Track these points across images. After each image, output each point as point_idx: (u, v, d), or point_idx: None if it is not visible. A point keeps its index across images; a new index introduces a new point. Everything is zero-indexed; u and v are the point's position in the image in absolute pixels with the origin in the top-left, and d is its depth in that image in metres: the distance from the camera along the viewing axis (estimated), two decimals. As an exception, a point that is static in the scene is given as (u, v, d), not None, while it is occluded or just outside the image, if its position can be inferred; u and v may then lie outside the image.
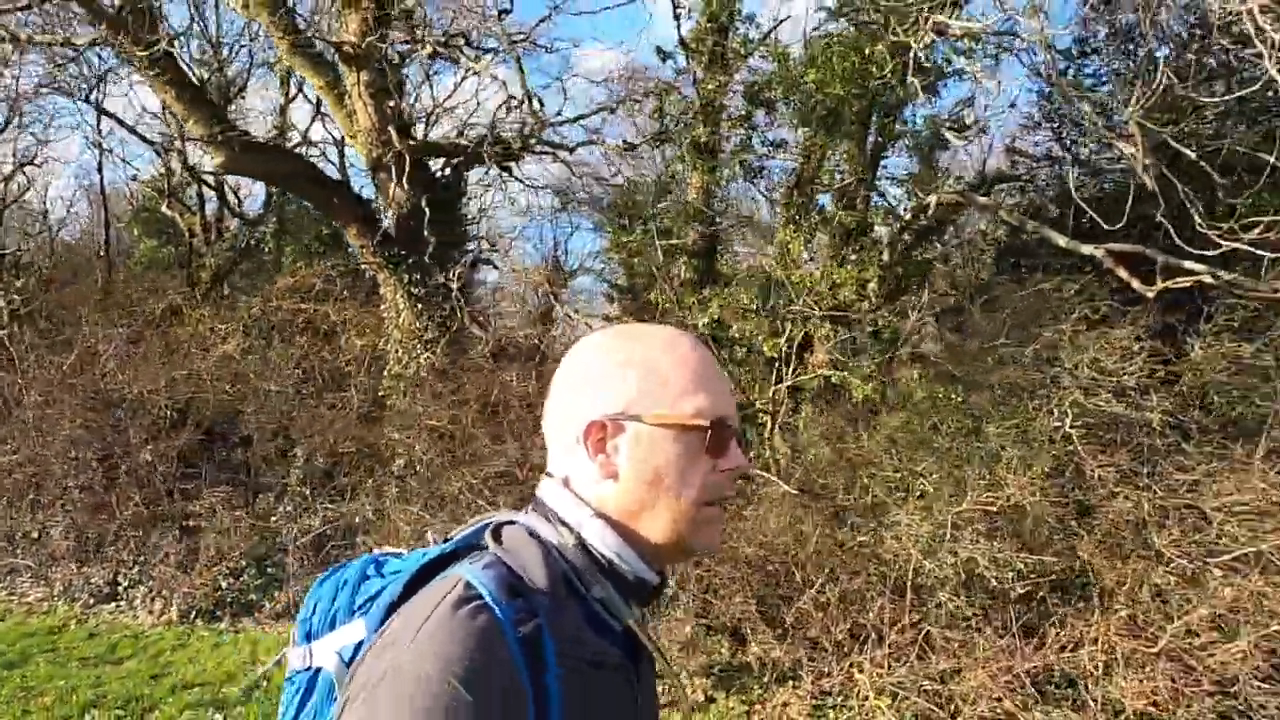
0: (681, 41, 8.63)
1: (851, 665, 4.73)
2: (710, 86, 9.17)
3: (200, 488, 6.72)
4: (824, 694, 4.76)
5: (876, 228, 8.04)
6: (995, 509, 4.58)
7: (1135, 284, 5.95)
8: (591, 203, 12.81)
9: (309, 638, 0.93)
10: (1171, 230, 5.25)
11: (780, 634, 4.97)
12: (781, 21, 9.07)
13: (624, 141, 9.06)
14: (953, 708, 4.38)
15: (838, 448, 5.74)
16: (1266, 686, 4.18)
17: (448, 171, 9.27)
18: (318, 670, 0.90)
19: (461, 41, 9.45)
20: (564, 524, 0.90)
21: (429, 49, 8.43)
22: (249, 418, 7.18)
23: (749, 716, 4.72)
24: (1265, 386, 4.98)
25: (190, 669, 4.88)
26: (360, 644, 0.85)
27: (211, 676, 4.73)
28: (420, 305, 8.56)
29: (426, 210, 8.33)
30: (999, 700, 4.30)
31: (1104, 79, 10.10)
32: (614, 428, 0.90)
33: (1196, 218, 4.94)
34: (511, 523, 0.91)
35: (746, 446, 1.13)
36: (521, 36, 11.99)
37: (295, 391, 7.34)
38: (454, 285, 7.84)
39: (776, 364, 7.85)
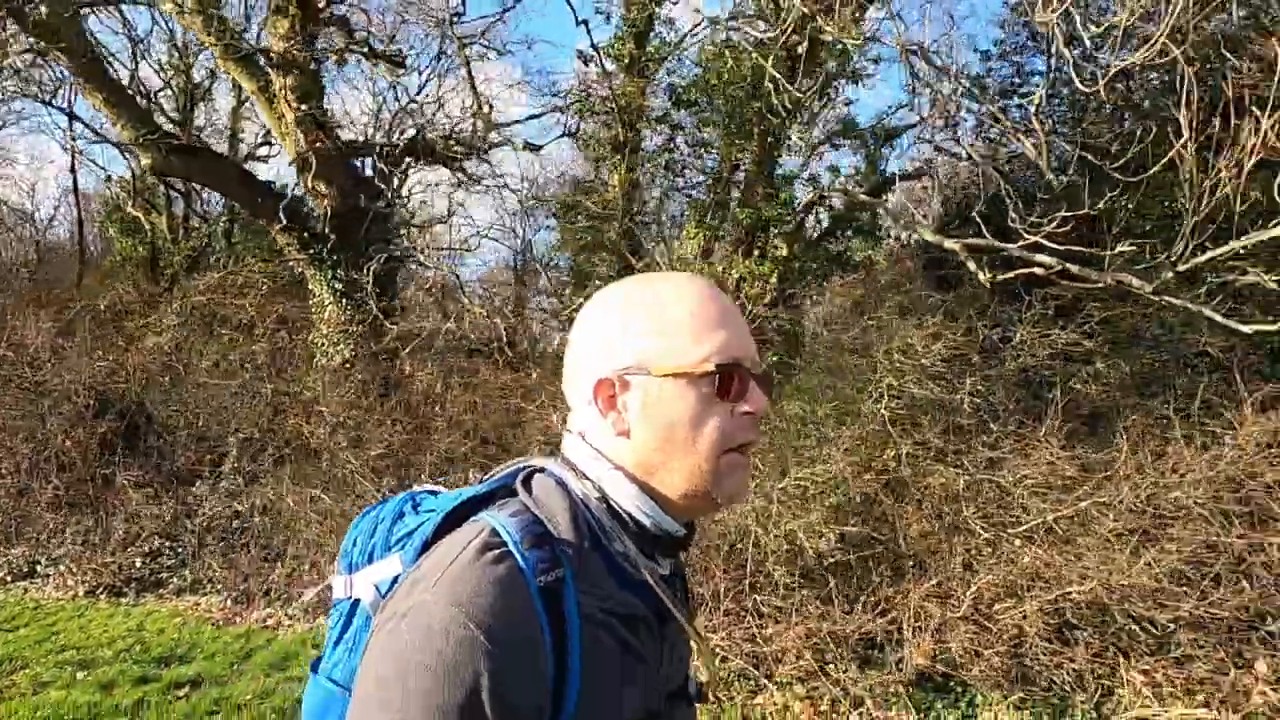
0: (593, 46, 8.98)
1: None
2: (628, 89, 9.54)
3: (116, 473, 7.10)
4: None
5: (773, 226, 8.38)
6: (819, 484, 4.93)
7: (980, 275, 6.33)
8: (543, 202, 13.20)
9: (350, 569, 0.96)
10: (1020, 221, 5.59)
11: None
12: (697, 26, 9.28)
13: (527, 143, 9.40)
14: (765, 668, 4.74)
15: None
16: (1049, 645, 4.54)
17: (372, 170, 9.64)
18: (357, 600, 0.93)
19: (385, 49, 9.81)
20: (586, 477, 0.90)
21: (335, 56, 8.73)
22: (167, 406, 7.56)
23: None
24: (1084, 370, 5.33)
25: (77, 636, 5.25)
26: (396, 577, 0.87)
27: (92, 642, 5.11)
28: (345, 300, 8.95)
29: (368, 206, 8.73)
30: (808, 659, 4.65)
31: (1010, 80, 10.46)
32: (621, 384, 0.89)
33: (1014, 214, 5.28)
34: (543, 470, 0.93)
35: (772, 386, 1.09)
36: (471, 38, 12.36)
37: (216, 382, 7.71)
38: (367, 281, 8.19)
39: None
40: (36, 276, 17.13)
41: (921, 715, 4.38)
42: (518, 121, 13.35)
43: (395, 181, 10.04)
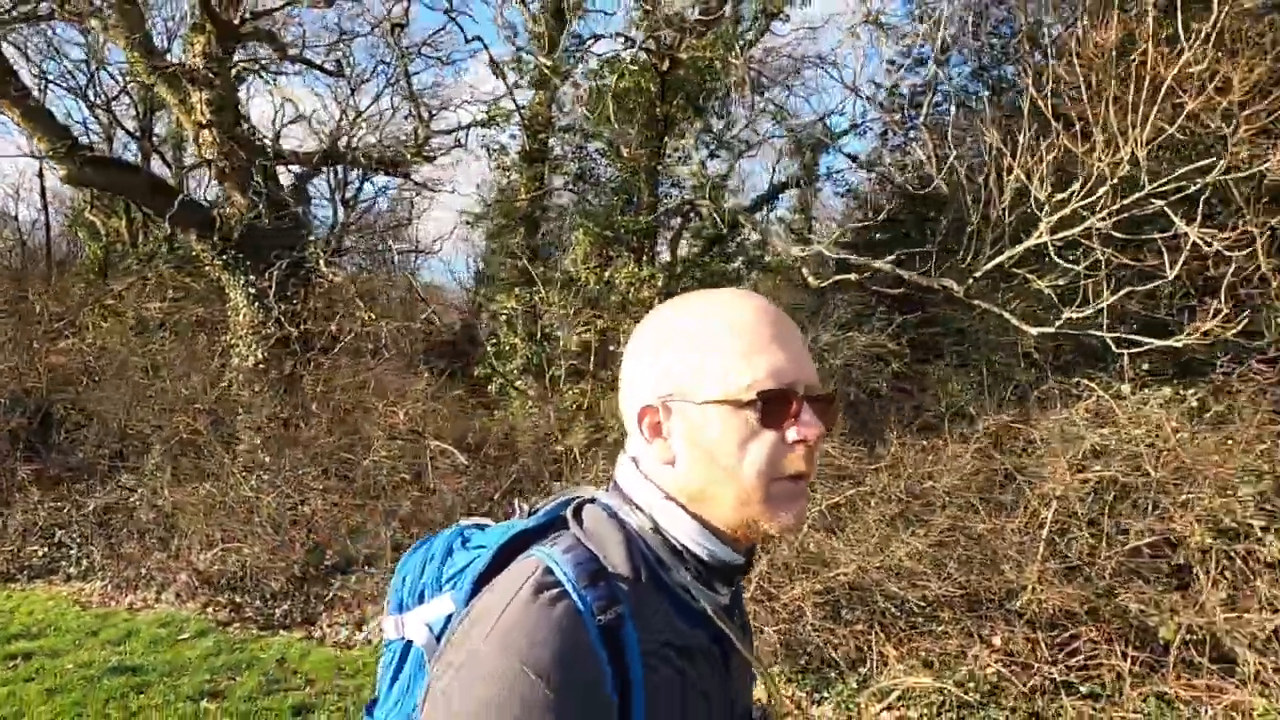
0: (492, 61, 9.40)
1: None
2: (536, 100, 9.96)
3: (18, 468, 7.53)
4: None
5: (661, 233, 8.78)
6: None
7: (811, 280, 6.73)
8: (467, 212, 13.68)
9: (400, 608, 0.94)
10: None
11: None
12: (599, 38, 9.67)
13: (439, 149, 9.82)
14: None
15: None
16: (823, 623, 4.93)
17: (289, 179, 10.08)
18: (409, 642, 0.91)
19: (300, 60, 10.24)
20: (638, 508, 0.88)
21: (255, 69, 9.14)
22: (76, 405, 8.00)
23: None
24: (885, 369, 5.72)
25: (-50, 617, 5.68)
26: (449, 617, 0.85)
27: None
28: (257, 304, 9.37)
29: (286, 211, 9.16)
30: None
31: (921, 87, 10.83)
32: (665, 411, 0.87)
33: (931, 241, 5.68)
34: (593, 500, 0.91)
35: (835, 410, 0.88)
36: (414, 48, 12.78)
37: (123, 380, 8.14)
38: (268, 286, 8.61)
39: (590, 357, 8.62)
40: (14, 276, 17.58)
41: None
42: (448, 131, 13.81)
43: (346, 189, 10.48)
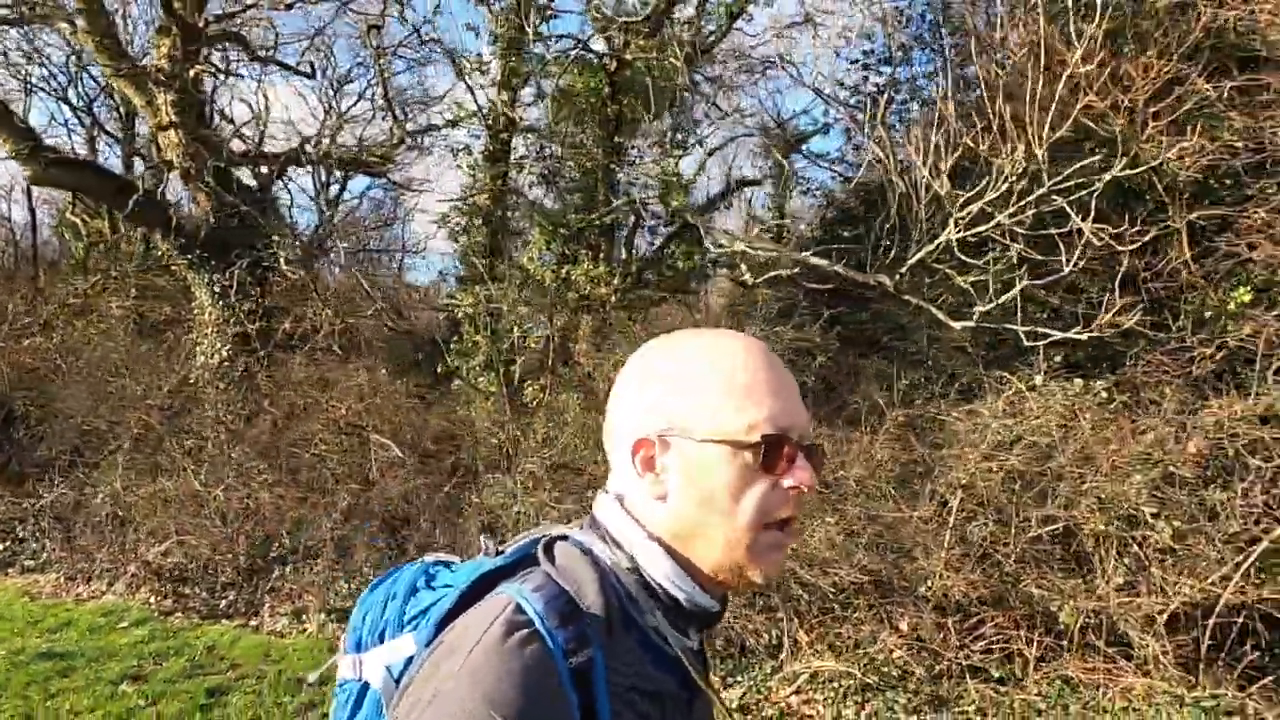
0: (453, 63, 9.52)
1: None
2: (501, 99, 10.08)
3: (-22, 463, 7.68)
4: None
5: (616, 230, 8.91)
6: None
7: (747, 277, 6.85)
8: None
9: (359, 647, 0.91)
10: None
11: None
12: (560, 38, 9.78)
13: (407, 151, 9.95)
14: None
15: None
16: (735, 608, 5.06)
17: (254, 179, 10.22)
18: (367, 684, 0.88)
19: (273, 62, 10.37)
20: (618, 545, 0.86)
21: (220, 74, 9.27)
22: (38, 401, 8.14)
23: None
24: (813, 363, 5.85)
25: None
26: (410, 659, 0.83)
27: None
28: (222, 302, 9.51)
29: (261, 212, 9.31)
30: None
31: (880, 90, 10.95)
32: (661, 445, 0.86)
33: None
34: (565, 538, 0.89)
35: (823, 459, 0.89)
36: (390, 49, 12.91)
37: (84, 378, 8.28)
38: (230, 286, 8.75)
39: (550, 354, 8.75)
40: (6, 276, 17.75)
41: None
42: (421, 132, 13.93)
43: (329, 189, 10.62)
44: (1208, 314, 5.38)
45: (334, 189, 18.23)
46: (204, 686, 4.18)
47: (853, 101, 10.65)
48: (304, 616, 5.81)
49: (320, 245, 14.99)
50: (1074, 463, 4.61)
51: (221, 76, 9.49)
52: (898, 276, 5.98)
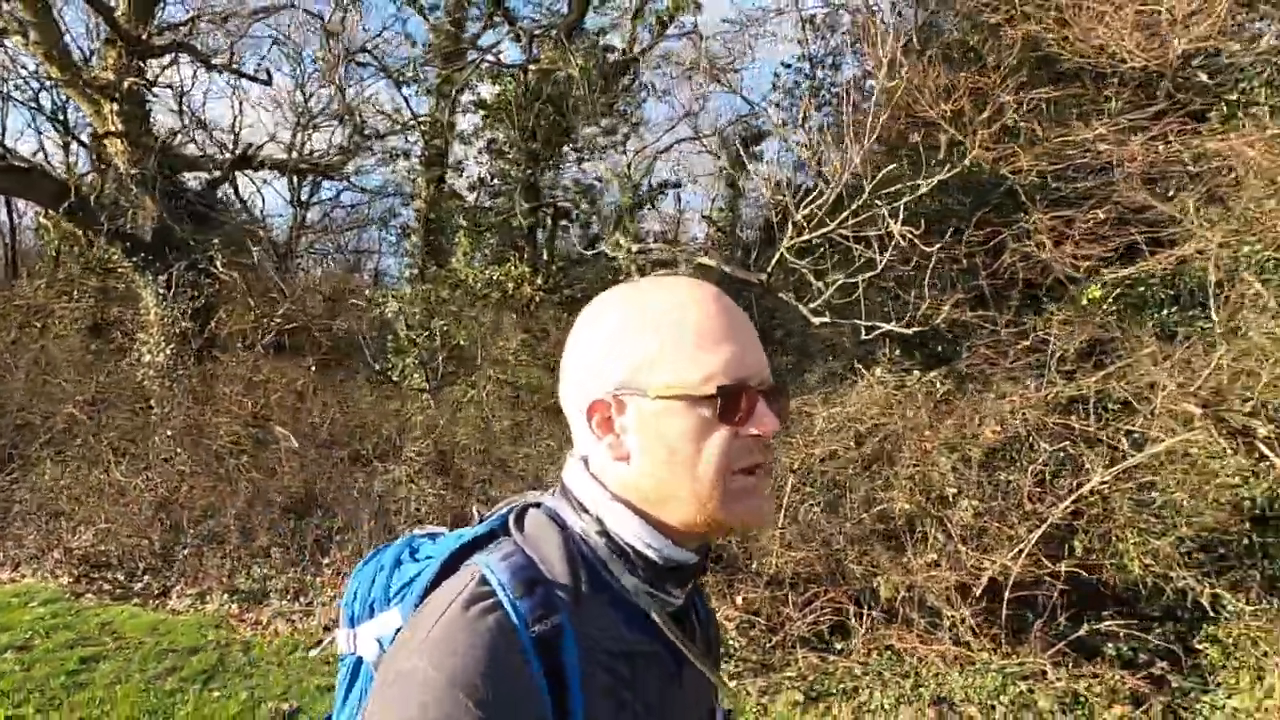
0: (384, 70, 9.90)
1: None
2: (434, 108, 10.48)
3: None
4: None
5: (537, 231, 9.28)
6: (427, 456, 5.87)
7: (636, 275, 7.22)
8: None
9: (353, 622, 0.93)
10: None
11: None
12: (495, 47, 10.17)
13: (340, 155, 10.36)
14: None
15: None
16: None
17: (199, 183, 10.64)
18: (360, 658, 0.91)
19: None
20: (584, 509, 0.85)
21: (128, 84, 9.63)
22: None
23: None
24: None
25: None
26: (398, 631, 0.84)
27: None
28: (166, 303, 9.92)
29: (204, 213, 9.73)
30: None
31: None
32: (617, 405, 0.84)
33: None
34: (537, 505, 0.88)
35: (787, 400, 0.83)
36: (349, 54, 13.28)
37: (24, 374, 8.70)
38: (163, 291, 9.16)
39: (479, 351, 9.13)
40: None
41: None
42: (391, 133, 14.35)
43: (301, 191, 11.02)
44: (1060, 310, 5.75)
45: (306, 192, 18.67)
46: (79, 655, 4.57)
47: (784, 106, 11.01)
48: (207, 597, 6.21)
49: (292, 246, 15.37)
50: (893, 448, 4.98)
51: (153, 89, 9.79)
52: (767, 273, 6.35)
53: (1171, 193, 4.48)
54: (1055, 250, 4.69)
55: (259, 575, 6.37)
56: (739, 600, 5.15)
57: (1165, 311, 4.89)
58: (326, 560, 6.23)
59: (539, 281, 9.23)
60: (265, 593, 6.24)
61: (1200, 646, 4.64)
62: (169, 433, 7.22)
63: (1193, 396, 4.15)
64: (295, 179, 17.44)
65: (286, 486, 6.29)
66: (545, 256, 9.16)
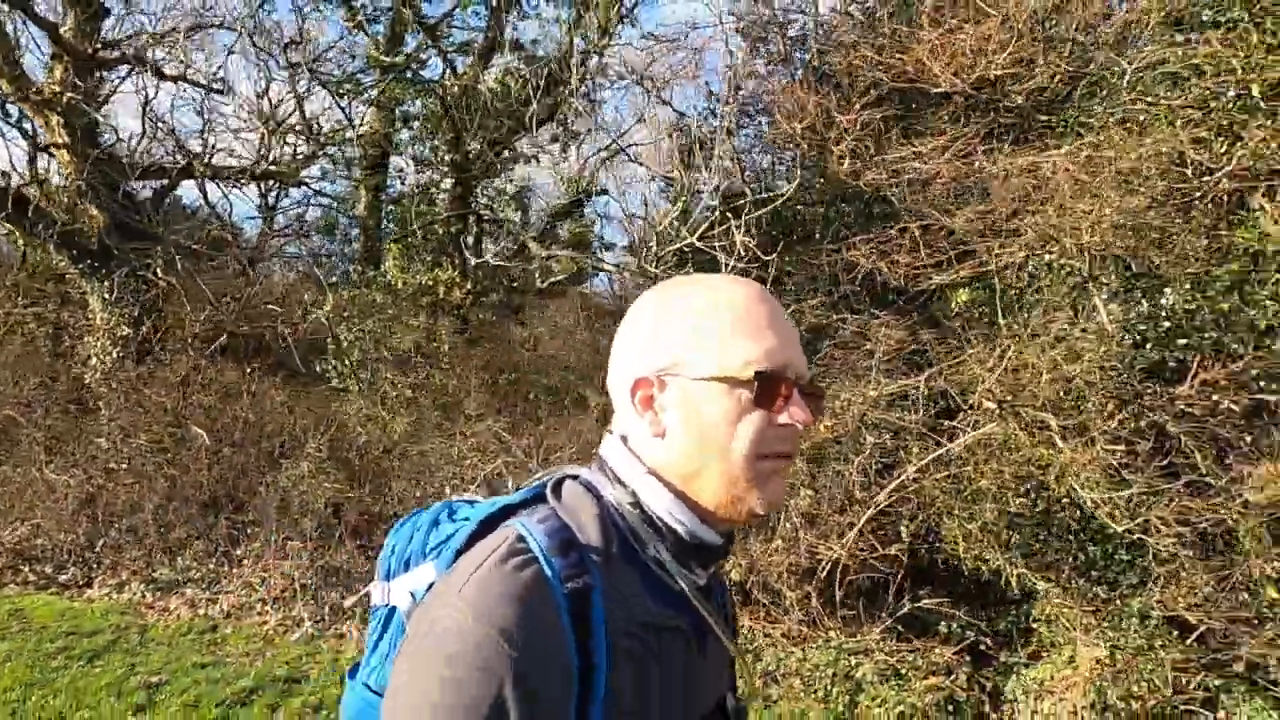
0: (318, 82, 10.27)
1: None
2: (373, 117, 10.86)
3: None
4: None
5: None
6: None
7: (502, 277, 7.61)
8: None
9: (388, 576, 0.96)
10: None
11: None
12: (411, 62, 10.53)
13: (271, 167, 10.72)
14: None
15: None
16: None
17: (147, 190, 11.01)
18: (394, 608, 0.94)
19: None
20: (620, 482, 0.89)
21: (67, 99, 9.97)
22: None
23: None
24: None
25: None
26: (431, 584, 0.87)
27: None
28: (113, 308, 10.28)
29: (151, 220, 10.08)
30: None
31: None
32: (659, 384, 0.88)
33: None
34: (575, 477, 0.92)
35: (822, 400, 0.92)
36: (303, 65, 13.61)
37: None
38: (109, 295, 9.53)
39: (413, 354, 9.51)
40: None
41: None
42: (348, 141, 14.73)
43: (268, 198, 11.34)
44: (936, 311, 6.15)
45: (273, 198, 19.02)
46: (-20, 636, 4.95)
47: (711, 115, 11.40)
48: (125, 587, 6.58)
49: (259, 251, 15.71)
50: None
51: (94, 102, 10.15)
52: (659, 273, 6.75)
53: (987, 206, 4.88)
54: (882, 260, 5.09)
55: (174, 566, 6.75)
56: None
57: (995, 314, 5.29)
58: (239, 551, 6.61)
59: (468, 286, 9.61)
60: (182, 582, 6.62)
61: (1020, 624, 5.06)
62: (100, 432, 7.58)
63: (990, 393, 4.56)
64: (261, 186, 17.84)
65: (201, 483, 6.66)
66: (473, 262, 9.53)
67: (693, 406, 0.87)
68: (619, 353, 0.94)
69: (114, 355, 10.22)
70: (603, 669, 0.77)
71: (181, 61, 12.38)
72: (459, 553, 0.85)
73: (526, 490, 0.93)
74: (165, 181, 11.33)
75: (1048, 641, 4.94)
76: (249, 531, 6.59)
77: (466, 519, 0.92)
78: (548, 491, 0.90)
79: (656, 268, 6.67)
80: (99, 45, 10.72)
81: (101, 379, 9.92)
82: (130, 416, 7.43)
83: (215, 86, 13.17)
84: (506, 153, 9.92)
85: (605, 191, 10.55)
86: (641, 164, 10.31)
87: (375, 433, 6.60)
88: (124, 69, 11.91)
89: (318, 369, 10.01)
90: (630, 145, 10.57)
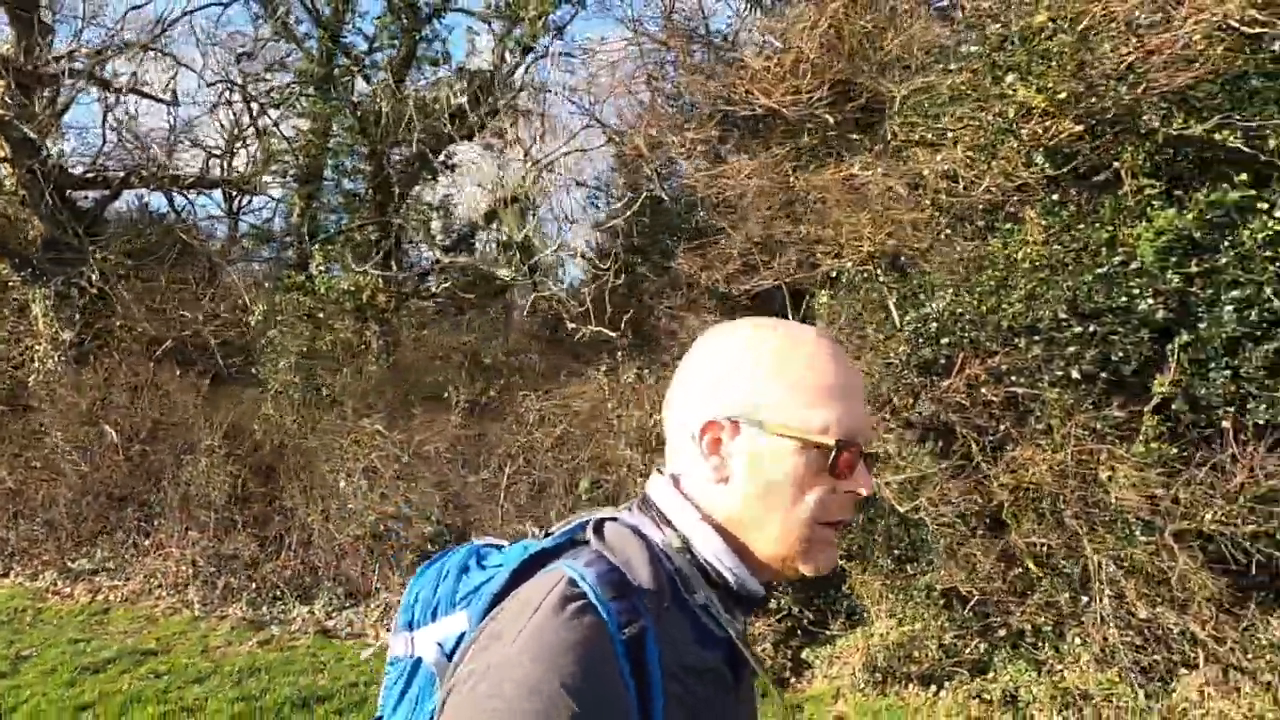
0: (248, 95, 10.72)
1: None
2: (306, 129, 11.32)
3: None
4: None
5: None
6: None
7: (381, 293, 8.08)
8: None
9: (410, 626, 0.92)
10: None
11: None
12: (347, 69, 10.99)
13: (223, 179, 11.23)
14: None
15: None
16: (359, 556, 6.31)
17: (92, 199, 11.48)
18: (419, 660, 0.90)
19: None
20: (670, 525, 0.87)
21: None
22: None
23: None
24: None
25: None
26: (461, 635, 0.84)
27: None
28: (53, 314, 10.74)
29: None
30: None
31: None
32: (732, 429, 0.86)
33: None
34: (614, 519, 0.90)
35: (872, 465, 0.88)
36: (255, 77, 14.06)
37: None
38: (49, 301, 9.99)
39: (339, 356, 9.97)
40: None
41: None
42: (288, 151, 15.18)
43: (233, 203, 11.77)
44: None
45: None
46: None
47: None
48: (39, 576, 7.05)
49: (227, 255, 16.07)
50: (588, 431, 5.86)
51: (31, 119, 10.59)
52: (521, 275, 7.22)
53: (796, 218, 5.36)
54: (700, 270, 5.58)
55: (90, 556, 7.22)
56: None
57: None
58: (147, 542, 7.07)
59: (390, 290, 10.08)
60: (93, 571, 7.09)
61: (833, 601, 5.53)
62: (28, 432, 8.04)
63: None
64: (225, 193, 18.29)
65: (114, 478, 7.14)
66: (395, 268, 10.00)
67: (763, 459, 0.85)
68: (687, 389, 0.91)
69: (55, 359, 10.69)
70: (658, 715, 0.76)
71: (134, 75, 12.87)
72: (494, 601, 0.82)
73: (559, 535, 0.90)
74: (107, 192, 11.78)
75: (858, 616, 5.43)
76: (155, 524, 7.05)
77: (499, 565, 0.89)
78: (589, 533, 0.87)
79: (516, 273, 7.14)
80: (45, 61, 11.15)
81: (41, 382, 10.39)
82: (53, 417, 7.88)
83: (166, 99, 13.68)
84: (429, 164, 10.39)
85: (517, 199, 11.03)
86: (565, 174, 10.81)
87: (271, 429, 7.06)
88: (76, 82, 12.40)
89: (244, 370, 10.49)
90: (548, 156, 11.04)
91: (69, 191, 11.28)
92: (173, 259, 11.61)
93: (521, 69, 11.54)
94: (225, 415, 7.36)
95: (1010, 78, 4.30)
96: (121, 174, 11.77)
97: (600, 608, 0.76)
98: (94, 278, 10.26)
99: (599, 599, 0.76)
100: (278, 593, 6.31)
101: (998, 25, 4.35)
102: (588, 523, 0.89)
